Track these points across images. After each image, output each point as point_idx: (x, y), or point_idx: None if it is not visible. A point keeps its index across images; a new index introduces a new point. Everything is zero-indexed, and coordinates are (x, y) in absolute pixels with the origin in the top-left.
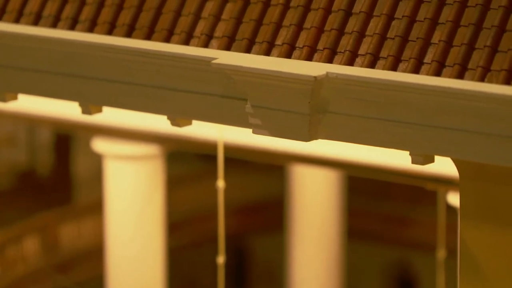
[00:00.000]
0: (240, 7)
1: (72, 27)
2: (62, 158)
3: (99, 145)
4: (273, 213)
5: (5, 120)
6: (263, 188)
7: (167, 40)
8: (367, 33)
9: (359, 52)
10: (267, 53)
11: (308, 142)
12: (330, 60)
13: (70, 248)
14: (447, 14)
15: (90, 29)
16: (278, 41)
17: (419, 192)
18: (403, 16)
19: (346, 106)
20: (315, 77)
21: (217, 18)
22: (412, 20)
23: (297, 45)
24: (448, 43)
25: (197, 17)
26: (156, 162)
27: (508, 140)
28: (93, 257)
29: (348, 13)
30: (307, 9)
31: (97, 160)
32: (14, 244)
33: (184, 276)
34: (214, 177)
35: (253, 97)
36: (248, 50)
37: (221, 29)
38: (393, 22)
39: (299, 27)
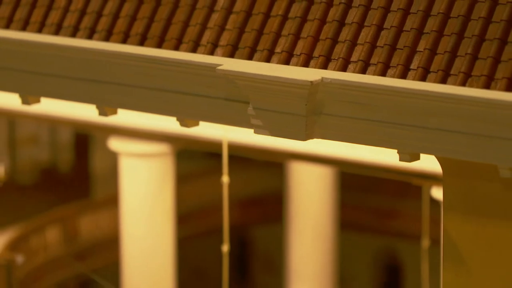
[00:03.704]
0: (243, 18)
1: (90, 36)
2: (81, 156)
3: (115, 144)
4: (273, 206)
5: (29, 121)
6: (263, 183)
7: (176, 48)
8: (358, 41)
9: (352, 59)
10: (268, 60)
11: (304, 141)
12: (325, 67)
13: (88, 238)
14: (432, 24)
15: (106, 38)
16: (278, 49)
17: (406, 187)
18: (391, 27)
19: (340, 108)
20: (311, 82)
21: (221, 28)
22: (399, 30)
23: (294, 52)
24: (433, 51)
25: (203, 27)
26: (167, 159)
27: (487, 139)
28: (109, 246)
29: (341, 24)
30: (303, 19)
31: (113, 158)
32: (37, 234)
33: (191, 263)
34: (219, 173)
35: (254, 100)
36: (250, 57)
37: (226, 38)
38: (382, 32)
39: (297, 36)
